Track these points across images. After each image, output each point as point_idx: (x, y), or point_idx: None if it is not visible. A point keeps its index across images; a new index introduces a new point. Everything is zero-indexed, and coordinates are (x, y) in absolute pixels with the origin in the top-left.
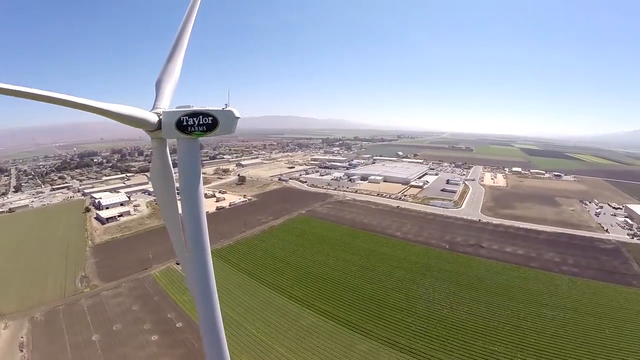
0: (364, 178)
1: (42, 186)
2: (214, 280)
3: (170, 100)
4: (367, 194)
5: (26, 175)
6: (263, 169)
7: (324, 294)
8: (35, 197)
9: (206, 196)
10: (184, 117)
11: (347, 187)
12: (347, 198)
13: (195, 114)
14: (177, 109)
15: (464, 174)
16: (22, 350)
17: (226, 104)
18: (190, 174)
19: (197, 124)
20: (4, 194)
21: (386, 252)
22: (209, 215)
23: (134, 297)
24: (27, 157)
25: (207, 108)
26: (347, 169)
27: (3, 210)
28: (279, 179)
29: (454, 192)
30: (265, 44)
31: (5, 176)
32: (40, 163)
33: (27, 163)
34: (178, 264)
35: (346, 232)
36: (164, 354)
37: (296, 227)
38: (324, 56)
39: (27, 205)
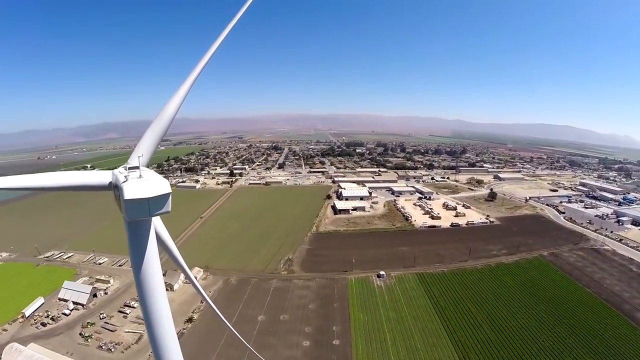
0: (636, 222)
1: (302, 167)
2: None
3: (153, 150)
4: (634, 246)
5: (294, 156)
6: (521, 187)
7: None
8: (291, 176)
9: (447, 208)
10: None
11: (612, 231)
12: (606, 247)
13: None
14: (121, 170)
15: None
16: (201, 302)
17: (127, 172)
18: (138, 256)
19: (118, 196)
20: (269, 168)
21: (626, 353)
22: (440, 230)
23: (318, 295)
24: (302, 140)
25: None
26: (619, 204)
27: (261, 182)
28: (535, 202)
29: None
30: (551, 41)
31: (277, 153)
32: (311, 146)
33: (300, 145)
34: (379, 276)
35: (583, 299)
36: None
37: (526, 273)
38: (611, 54)
39: (281, 182)
